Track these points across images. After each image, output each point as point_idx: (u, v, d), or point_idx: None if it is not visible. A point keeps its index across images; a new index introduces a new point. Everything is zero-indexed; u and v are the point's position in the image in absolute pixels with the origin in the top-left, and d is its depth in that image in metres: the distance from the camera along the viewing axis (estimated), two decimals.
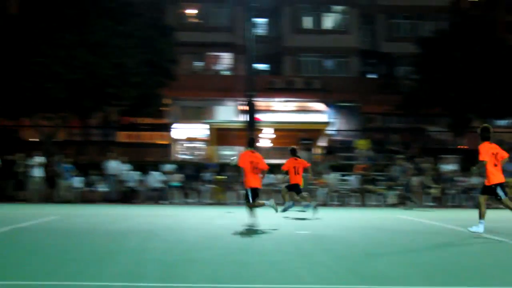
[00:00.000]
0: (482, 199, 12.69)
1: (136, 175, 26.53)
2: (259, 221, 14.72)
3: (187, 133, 38.78)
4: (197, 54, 42.75)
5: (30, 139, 37.25)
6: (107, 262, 8.89)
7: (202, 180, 26.67)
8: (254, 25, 33.43)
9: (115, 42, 27.26)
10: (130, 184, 26.31)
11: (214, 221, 16.78)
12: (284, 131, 33.35)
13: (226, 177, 26.57)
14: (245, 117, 29.14)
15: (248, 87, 27.59)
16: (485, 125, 13.19)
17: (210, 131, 31.23)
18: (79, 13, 27.69)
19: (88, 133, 34.11)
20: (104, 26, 27.47)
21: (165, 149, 37.12)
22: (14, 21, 28.54)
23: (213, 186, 26.61)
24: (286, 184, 18.59)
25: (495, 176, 12.56)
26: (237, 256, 9.51)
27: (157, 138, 39.08)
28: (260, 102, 32.53)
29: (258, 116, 30.15)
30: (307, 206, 18.32)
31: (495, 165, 12.58)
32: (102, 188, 26.57)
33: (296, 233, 13.23)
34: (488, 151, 12.55)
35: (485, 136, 12.75)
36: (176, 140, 39.08)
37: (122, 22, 28.30)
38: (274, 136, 32.47)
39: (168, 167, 27.47)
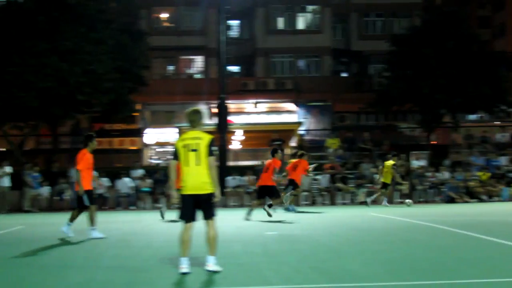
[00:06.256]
0: None
1: (105, 181, 26.29)
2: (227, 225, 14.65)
3: (158, 138, 38.59)
4: (169, 58, 42.62)
5: None
6: (72, 271, 8.83)
7: None
8: (227, 27, 33.28)
9: (86, 48, 26.97)
10: (98, 191, 26.00)
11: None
12: (255, 133, 33.25)
13: None
14: (216, 120, 29.02)
15: (220, 89, 27.48)
16: None
17: (181, 135, 31.01)
18: (51, 21, 27.35)
19: (58, 141, 33.68)
20: (76, 33, 27.18)
21: (136, 154, 36.82)
22: None
23: None
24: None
25: None
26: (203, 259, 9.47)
27: (127, 144, 38.82)
28: (232, 104, 32.44)
29: (230, 118, 30.06)
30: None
31: None
32: (70, 196, 26.08)
33: (264, 234, 13.21)
34: None
35: None
36: (147, 145, 38.88)
37: (94, 28, 28.05)
38: (245, 137, 32.38)
39: (138, 172, 27.30)
